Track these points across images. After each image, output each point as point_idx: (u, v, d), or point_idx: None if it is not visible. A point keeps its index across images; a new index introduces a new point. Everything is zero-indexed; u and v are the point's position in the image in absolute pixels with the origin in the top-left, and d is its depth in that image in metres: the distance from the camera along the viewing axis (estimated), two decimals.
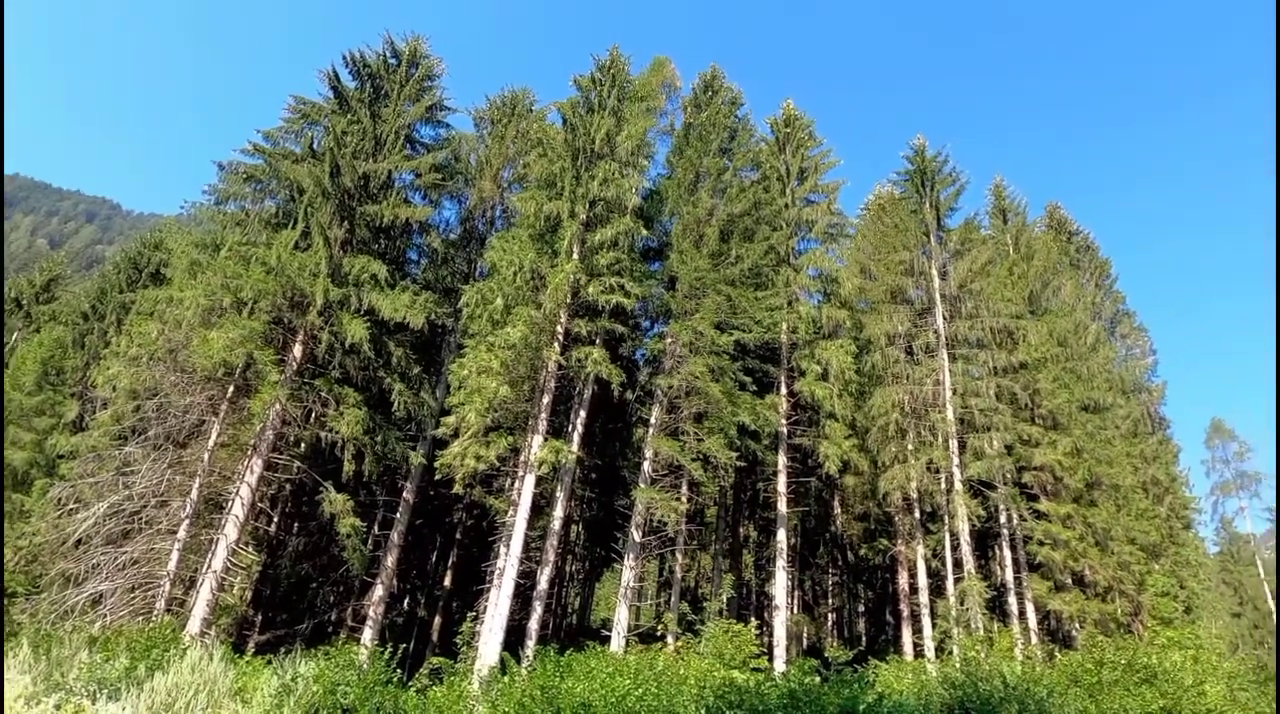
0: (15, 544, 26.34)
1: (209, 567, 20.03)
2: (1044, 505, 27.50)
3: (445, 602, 30.47)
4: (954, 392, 28.70)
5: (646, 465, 24.58)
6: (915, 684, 16.77)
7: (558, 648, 13.89)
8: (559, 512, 23.60)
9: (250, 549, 23.34)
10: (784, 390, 28.96)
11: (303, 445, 24.30)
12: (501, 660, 18.15)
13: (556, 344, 23.61)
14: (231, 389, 22.34)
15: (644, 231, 25.15)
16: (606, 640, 23.07)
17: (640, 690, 10.76)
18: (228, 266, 21.61)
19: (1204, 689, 15.77)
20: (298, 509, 28.69)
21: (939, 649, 25.34)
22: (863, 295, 32.42)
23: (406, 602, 34.46)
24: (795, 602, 40.51)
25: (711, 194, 27.83)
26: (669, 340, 25.36)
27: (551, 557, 23.43)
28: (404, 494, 25.95)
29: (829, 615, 44.83)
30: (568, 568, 40.52)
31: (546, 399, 23.64)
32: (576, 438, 24.12)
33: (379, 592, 24.54)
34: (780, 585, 27.21)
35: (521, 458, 23.23)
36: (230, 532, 20.42)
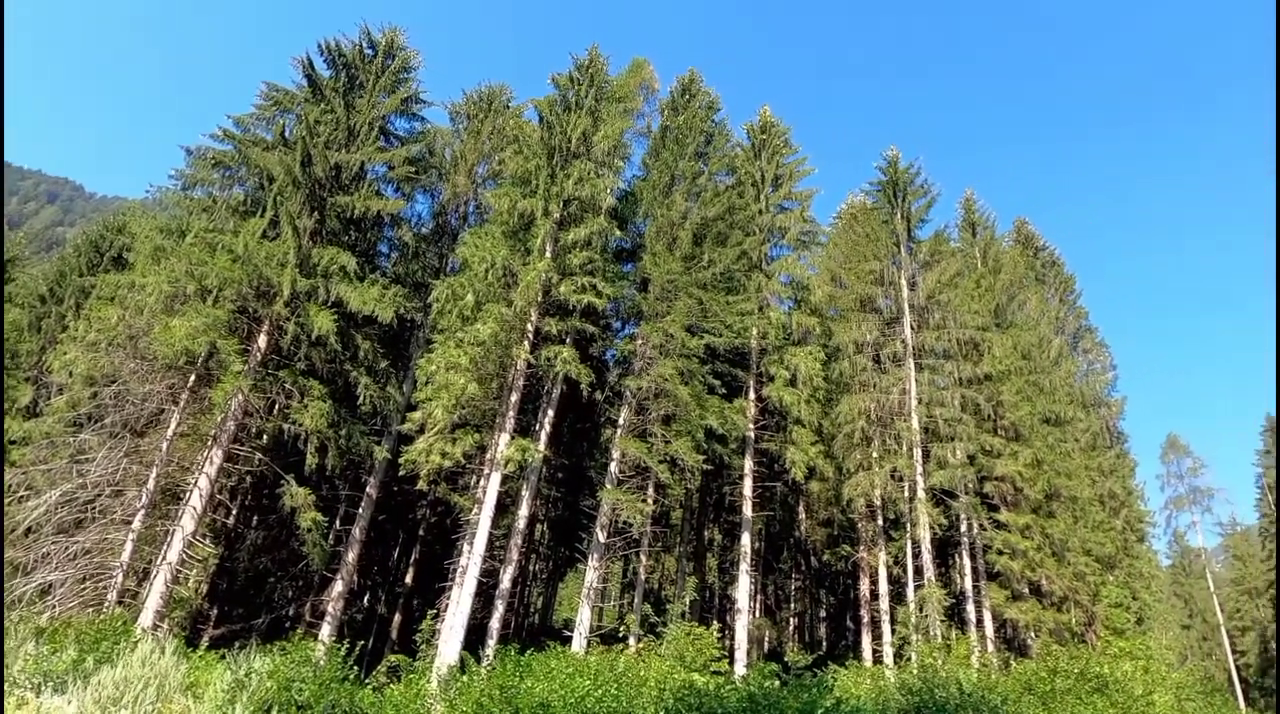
0: None
1: (164, 558, 19.61)
2: (1004, 515, 27.94)
3: (406, 599, 30.18)
4: (919, 401, 29.04)
5: (613, 466, 24.56)
6: (873, 690, 16.94)
7: (519, 647, 13.79)
8: (524, 511, 23.50)
9: (207, 541, 22.94)
10: (752, 395, 29.13)
11: (265, 437, 23.92)
12: (461, 659, 18.03)
13: (526, 342, 23.50)
14: (193, 378, 21.93)
15: (617, 232, 25.16)
16: (568, 641, 23.00)
17: (600, 692, 10.72)
18: (193, 253, 21.21)
19: (1153, 699, 16.16)
20: (258, 502, 28.25)
21: (898, 655, 25.63)
22: (833, 303, 32.75)
23: (367, 598, 34.05)
24: (758, 606, 40.73)
25: (686, 197, 27.88)
26: (639, 342, 25.37)
27: (515, 556, 23.32)
28: (367, 489, 25.65)
29: (791, 620, 45.18)
30: (531, 567, 40.40)
31: (515, 397, 23.52)
32: (544, 437, 24.03)
33: (339, 587, 24.22)
34: (743, 589, 27.33)
35: (488, 456, 23.08)
36: (187, 523, 20.03)
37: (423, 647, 19.75)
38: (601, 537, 23.98)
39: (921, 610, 25.59)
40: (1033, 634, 27.79)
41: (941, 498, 28.42)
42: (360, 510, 25.41)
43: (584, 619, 23.14)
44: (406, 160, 26.70)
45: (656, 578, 45.37)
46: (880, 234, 32.62)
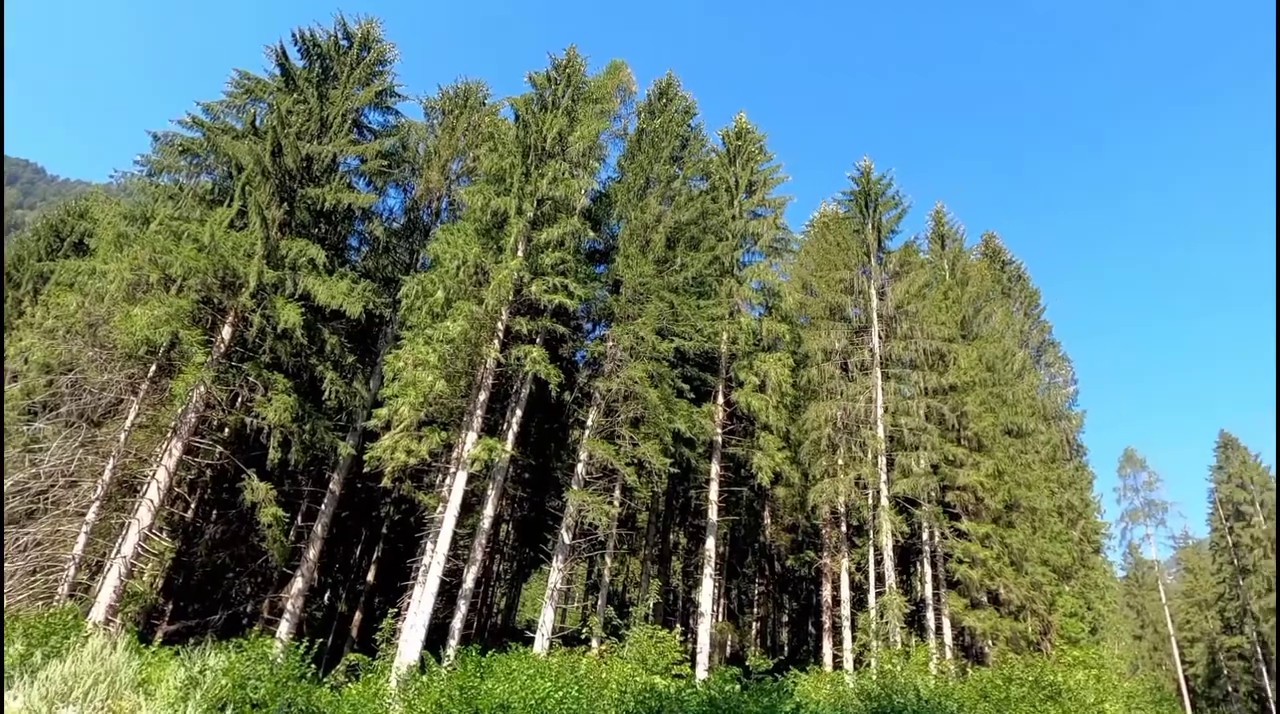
0: None
1: (118, 551, 19.19)
2: (965, 525, 28.31)
3: (367, 597, 29.82)
4: (885, 410, 29.36)
5: (581, 468, 24.52)
6: (833, 695, 17.09)
7: (480, 648, 13.72)
8: (489, 510, 23.36)
9: (164, 535, 22.50)
10: (721, 400, 29.25)
11: (226, 430, 23.53)
12: (422, 659, 17.89)
13: (496, 341, 23.39)
14: (153, 368, 21.53)
15: (591, 233, 25.14)
16: (531, 642, 22.88)
17: (560, 693, 10.71)
18: (157, 241, 20.80)
19: (1104, 708, 16.51)
20: (217, 496, 27.71)
21: (858, 661, 25.84)
22: (803, 310, 33.02)
23: (327, 596, 33.60)
24: (721, 609, 40.81)
25: (660, 201, 27.95)
26: (610, 343, 25.37)
27: (479, 555, 23.17)
28: (330, 485, 25.33)
29: (754, 624, 45.31)
30: (495, 567, 40.08)
31: (483, 396, 23.39)
32: (511, 437, 23.92)
33: (299, 584, 23.89)
34: (707, 593, 27.40)
35: (454, 454, 22.92)
36: (143, 516, 19.62)
37: (383, 646, 19.60)
38: (567, 538, 23.91)
39: (882, 617, 25.85)
40: (990, 642, 28.21)
41: (905, 506, 28.76)
42: (323, 507, 25.09)
43: (547, 620, 23.06)
44: (380, 154, 26.43)
45: (621, 580, 45.32)
46: (851, 243, 32.95)
